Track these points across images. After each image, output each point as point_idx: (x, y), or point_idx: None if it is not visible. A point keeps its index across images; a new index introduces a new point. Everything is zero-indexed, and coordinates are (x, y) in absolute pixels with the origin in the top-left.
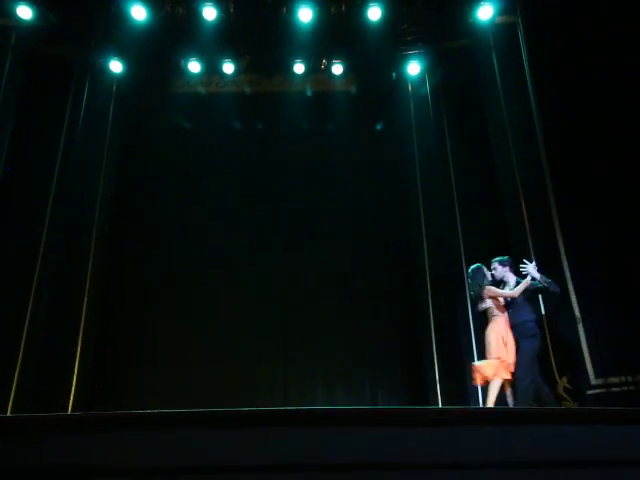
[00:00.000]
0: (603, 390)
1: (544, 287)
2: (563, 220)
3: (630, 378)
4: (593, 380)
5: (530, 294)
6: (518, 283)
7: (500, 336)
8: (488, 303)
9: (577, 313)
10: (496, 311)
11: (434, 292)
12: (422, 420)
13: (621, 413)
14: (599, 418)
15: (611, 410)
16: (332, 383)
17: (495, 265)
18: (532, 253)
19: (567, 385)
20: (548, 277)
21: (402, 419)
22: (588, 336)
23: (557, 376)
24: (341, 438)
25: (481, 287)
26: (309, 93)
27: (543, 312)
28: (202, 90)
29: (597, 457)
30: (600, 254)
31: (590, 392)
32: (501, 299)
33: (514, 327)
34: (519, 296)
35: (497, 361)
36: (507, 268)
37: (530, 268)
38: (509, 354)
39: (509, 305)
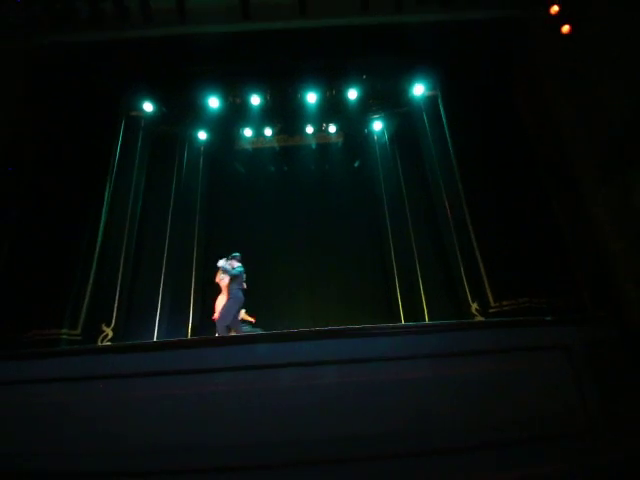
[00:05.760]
0: (499, 309)
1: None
2: (469, 200)
3: (515, 303)
4: (492, 304)
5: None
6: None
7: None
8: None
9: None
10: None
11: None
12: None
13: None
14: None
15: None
16: (353, 314)
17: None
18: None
19: (477, 308)
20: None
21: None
22: (487, 270)
23: (470, 301)
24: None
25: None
26: (314, 145)
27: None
28: (252, 147)
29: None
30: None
31: (492, 311)
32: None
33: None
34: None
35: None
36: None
37: (220, 262)
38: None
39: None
